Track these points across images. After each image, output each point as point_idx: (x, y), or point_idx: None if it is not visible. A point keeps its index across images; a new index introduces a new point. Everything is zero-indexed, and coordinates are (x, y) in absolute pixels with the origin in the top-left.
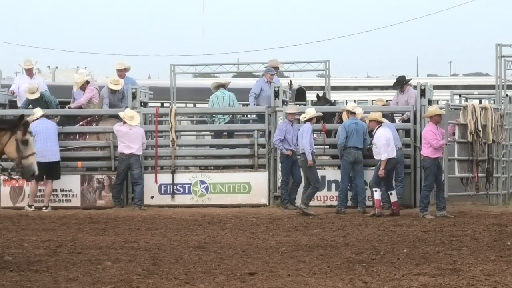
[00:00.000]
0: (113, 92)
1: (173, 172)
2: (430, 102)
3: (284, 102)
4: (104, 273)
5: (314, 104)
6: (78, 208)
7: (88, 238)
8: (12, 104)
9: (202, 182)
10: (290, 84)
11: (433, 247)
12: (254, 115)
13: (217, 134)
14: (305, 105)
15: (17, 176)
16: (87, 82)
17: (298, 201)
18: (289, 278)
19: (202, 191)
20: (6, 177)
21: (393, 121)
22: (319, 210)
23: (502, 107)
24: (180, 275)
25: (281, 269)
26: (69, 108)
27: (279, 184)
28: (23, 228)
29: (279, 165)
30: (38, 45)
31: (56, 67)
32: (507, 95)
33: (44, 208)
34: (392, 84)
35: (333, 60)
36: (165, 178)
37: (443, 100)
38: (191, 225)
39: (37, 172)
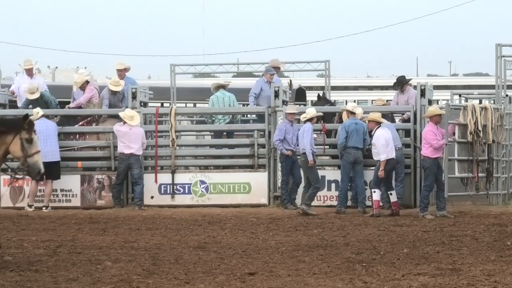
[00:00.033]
0: (113, 93)
1: (173, 172)
2: (430, 102)
3: (284, 102)
4: (104, 273)
5: (314, 104)
6: (78, 208)
7: (88, 238)
8: (12, 104)
9: (202, 182)
10: (290, 84)
11: (433, 247)
12: (254, 115)
13: (217, 134)
14: (305, 105)
15: (22, 176)
16: (87, 82)
17: (298, 201)
18: (289, 278)
19: (202, 191)
20: (12, 177)
21: (393, 121)
22: (319, 210)
23: (502, 107)
24: (180, 275)
25: (281, 269)
26: (68, 108)
27: (279, 184)
28: (23, 228)
29: (279, 165)
30: (38, 45)
31: (56, 67)
32: (507, 95)
33: (44, 208)
34: (392, 84)
35: (333, 60)
36: (165, 178)
37: (443, 100)
38: (191, 225)
39: (43, 170)
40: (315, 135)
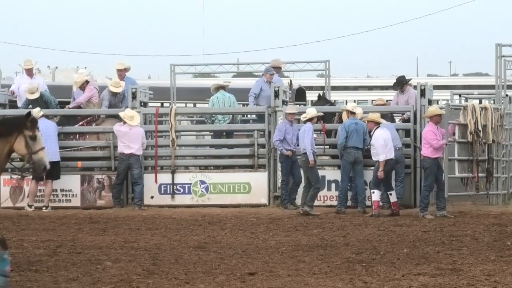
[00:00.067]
0: (114, 94)
1: (173, 172)
2: (430, 102)
3: (284, 102)
4: (104, 273)
5: (314, 104)
6: (78, 208)
7: (88, 238)
8: (12, 104)
9: (202, 182)
10: (290, 84)
11: (433, 247)
12: (254, 115)
13: (217, 134)
14: (305, 105)
15: (28, 174)
16: (87, 82)
17: (298, 201)
18: (289, 278)
19: (202, 191)
20: (19, 177)
21: (393, 121)
22: (319, 210)
23: (502, 107)
24: (180, 275)
25: (281, 269)
26: (68, 108)
27: (279, 184)
28: (23, 228)
29: (279, 165)
30: (38, 45)
31: (56, 67)
32: (507, 95)
33: (44, 208)
34: (392, 84)
35: (333, 60)
36: (165, 178)
37: (443, 100)
38: (191, 225)
39: (48, 166)
40: (315, 135)
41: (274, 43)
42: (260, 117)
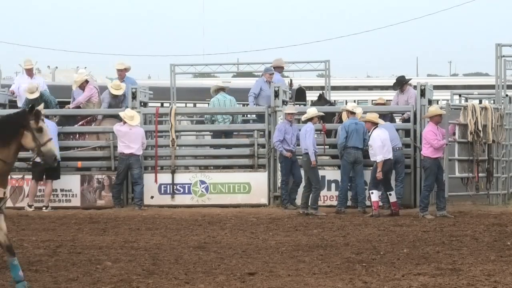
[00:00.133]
0: (114, 97)
1: (173, 172)
2: (430, 102)
3: (284, 102)
4: (104, 273)
5: (313, 104)
6: (78, 208)
7: (88, 238)
8: (12, 104)
9: (202, 182)
10: (291, 84)
11: (433, 247)
12: (254, 115)
13: (217, 134)
14: (305, 105)
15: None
16: (86, 82)
17: (298, 201)
18: (289, 278)
19: (202, 191)
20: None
21: (393, 121)
22: (319, 210)
23: (502, 107)
24: (180, 275)
25: (281, 269)
26: (68, 107)
27: (279, 184)
28: (23, 228)
29: (279, 165)
30: (38, 45)
31: (56, 67)
32: (507, 95)
33: (44, 208)
34: (392, 84)
35: (333, 60)
36: (165, 178)
37: (443, 100)
38: (191, 225)
39: (58, 156)
40: (315, 135)
41: (274, 43)
42: (260, 117)
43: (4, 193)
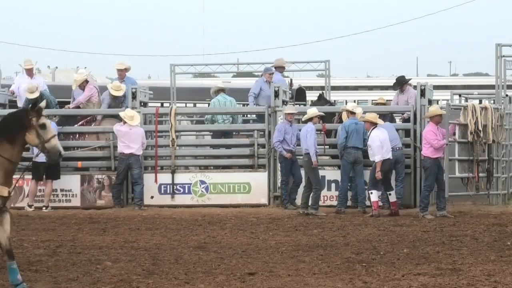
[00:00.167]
0: (114, 98)
1: (173, 172)
2: (430, 102)
3: (284, 102)
4: (104, 273)
5: (313, 104)
6: (78, 208)
7: (88, 238)
8: (12, 104)
9: (202, 182)
10: (291, 84)
11: (433, 247)
12: (254, 115)
13: (217, 134)
14: (305, 105)
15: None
16: (86, 81)
17: (298, 201)
18: (289, 278)
19: (202, 191)
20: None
21: (393, 121)
22: (319, 210)
23: (502, 107)
24: (180, 275)
25: (281, 269)
26: (68, 107)
27: (279, 184)
28: (23, 228)
29: (279, 165)
30: (38, 45)
31: (56, 67)
32: (507, 95)
33: (44, 208)
34: (392, 84)
35: (333, 60)
36: (165, 178)
37: (443, 100)
38: (191, 225)
39: (63, 152)
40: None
41: (274, 43)
42: (260, 117)
43: (9, 192)
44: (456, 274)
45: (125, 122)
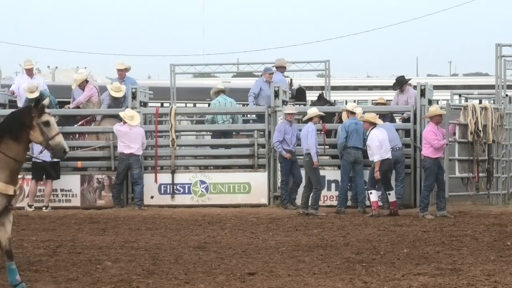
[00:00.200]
0: (114, 99)
1: (173, 172)
2: (430, 102)
3: (284, 102)
4: (104, 273)
5: (313, 104)
6: (78, 208)
7: (88, 238)
8: (12, 104)
9: (202, 182)
10: (290, 84)
11: (433, 247)
12: (254, 115)
13: (217, 134)
14: (305, 105)
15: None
16: (86, 81)
17: (298, 201)
18: (289, 278)
19: (202, 191)
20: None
21: (393, 121)
22: (319, 210)
23: (502, 107)
24: (180, 275)
25: (281, 269)
26: (68, 108)
27: (279, 184)
28: (23, 228)
29: (279, 165)
30: (38, 45)
31: (56, 67)
32: (507, 95)
33: (44, 208)
34: (392, 84)
35: (333, 60)
36: (165, 178)
37: (443, 100)
38: (191, 225)
39: (67, 149)
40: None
41: (274, 43)
42: (260, 117)
43: (15, 191)
44: (456, 274)
45: (125, 122)
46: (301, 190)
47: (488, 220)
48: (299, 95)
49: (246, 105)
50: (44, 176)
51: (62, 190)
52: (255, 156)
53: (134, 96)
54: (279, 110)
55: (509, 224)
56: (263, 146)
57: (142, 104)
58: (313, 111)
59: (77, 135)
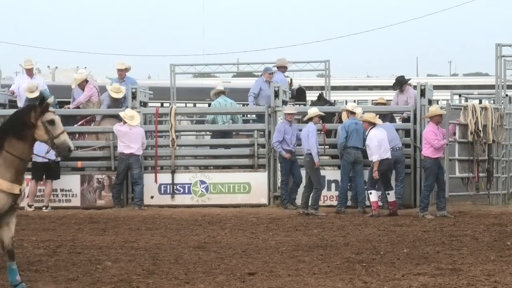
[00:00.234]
0: (114, 100)
1: (173, 172)
2: (430, 102)
3: (284, 102)
4: (104, 273)
5: (313, 104)
6: (78, 208)
7: (88, 238)
8: (12, 104)
9: (202, 182)
10: (290, 84)
11: (433, 247)
12: (254, 115)
13: (217, 134)
14: (305, 105)
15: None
16: (86, 81)
17: (298, 201)
18: (289, 278)
19: (202, 191)
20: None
21: (393, 121)
22: (319, 210)
23: (502, 107)
24: (180, 275)
25: (281, 269)
26: (67, 107)
27: (279, 184)
28: (23, 228)
29: (279, 165)
30: (38, 45)
31: (56, 67)
32: (507, 95)
33: (44, 208)
34: (392, 84)
35: (333, 60)
36: (165, 178)
37: (443, 100)
38: (191, 225)
39: (72, 147)
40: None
41: (274, 43)
42: (260, 117)
43: (21, 190)
44: (456, 274)
45: (125, 122)
46: (301, 190)
47: (488, 220)
48: (299, 95)
49: (246, 105)
50: (44, 176)
51: (62, 190)
52: (255, 156)
53: (134, 96)
54: (279, 110)
55: (509, 224)
56: (263, 146)
57: (142, 104)
58: (313, 111)
59: (77, 135)
